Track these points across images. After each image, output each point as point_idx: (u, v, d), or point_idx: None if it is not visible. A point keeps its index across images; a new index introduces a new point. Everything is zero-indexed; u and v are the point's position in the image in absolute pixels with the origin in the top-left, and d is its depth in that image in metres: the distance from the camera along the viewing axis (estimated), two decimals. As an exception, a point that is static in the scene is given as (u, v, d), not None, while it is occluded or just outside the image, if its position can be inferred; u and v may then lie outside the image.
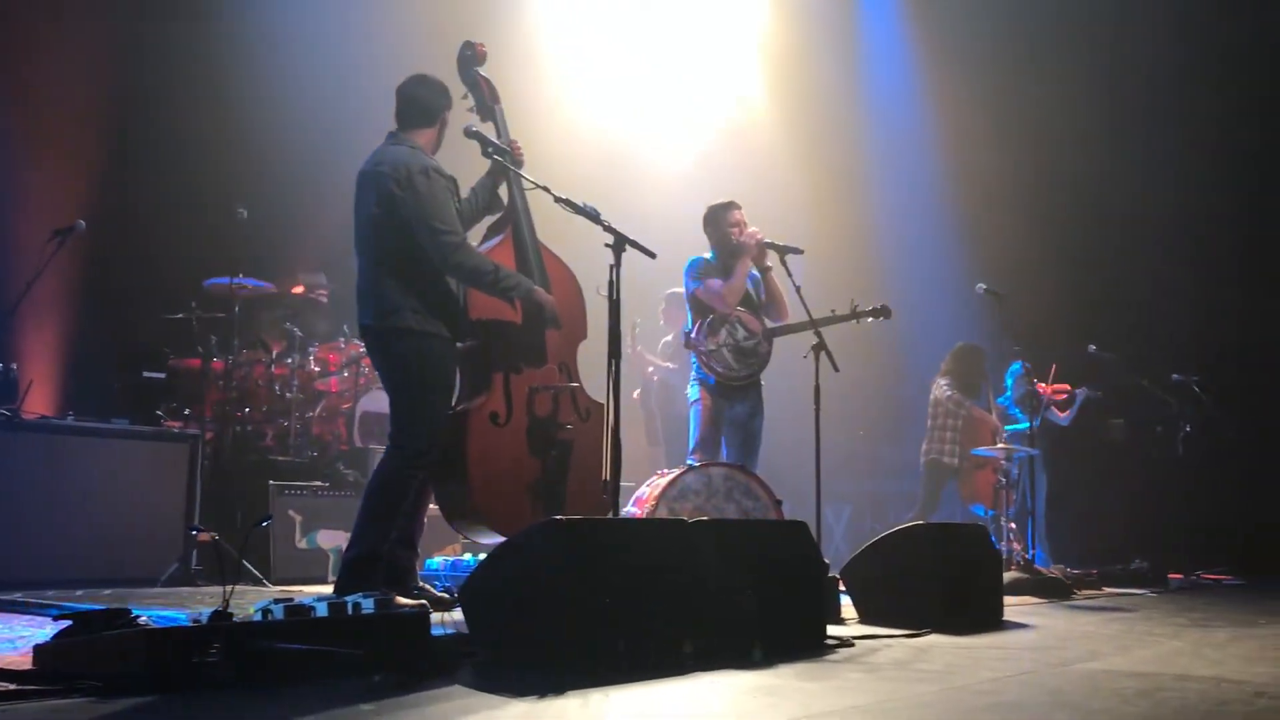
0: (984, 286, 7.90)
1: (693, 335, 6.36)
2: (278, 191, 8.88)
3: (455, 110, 5.26)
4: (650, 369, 9.05)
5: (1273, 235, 10.69)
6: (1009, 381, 9.36)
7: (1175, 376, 9.33)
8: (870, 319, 6.55)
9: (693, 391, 6.41)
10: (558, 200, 4.78)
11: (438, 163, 4.98)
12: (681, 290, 8.43)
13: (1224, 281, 10.70)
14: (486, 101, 5.44)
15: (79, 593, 5.54)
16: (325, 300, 8.74)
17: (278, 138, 8.98)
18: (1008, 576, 6.65)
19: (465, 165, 5.35)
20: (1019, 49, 11.07)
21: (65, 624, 3.32)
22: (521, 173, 5.26)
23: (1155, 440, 9.51)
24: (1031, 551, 7.47)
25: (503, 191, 5.39)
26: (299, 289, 8.65)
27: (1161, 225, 10.84)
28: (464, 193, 5.26)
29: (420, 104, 5.04)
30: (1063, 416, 9.41)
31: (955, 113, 11.44)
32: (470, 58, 5.45)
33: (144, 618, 3.28)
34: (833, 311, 6.38)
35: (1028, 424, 8.23)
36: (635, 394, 9.11)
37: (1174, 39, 10.83)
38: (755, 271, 6.44)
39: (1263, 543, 9.75)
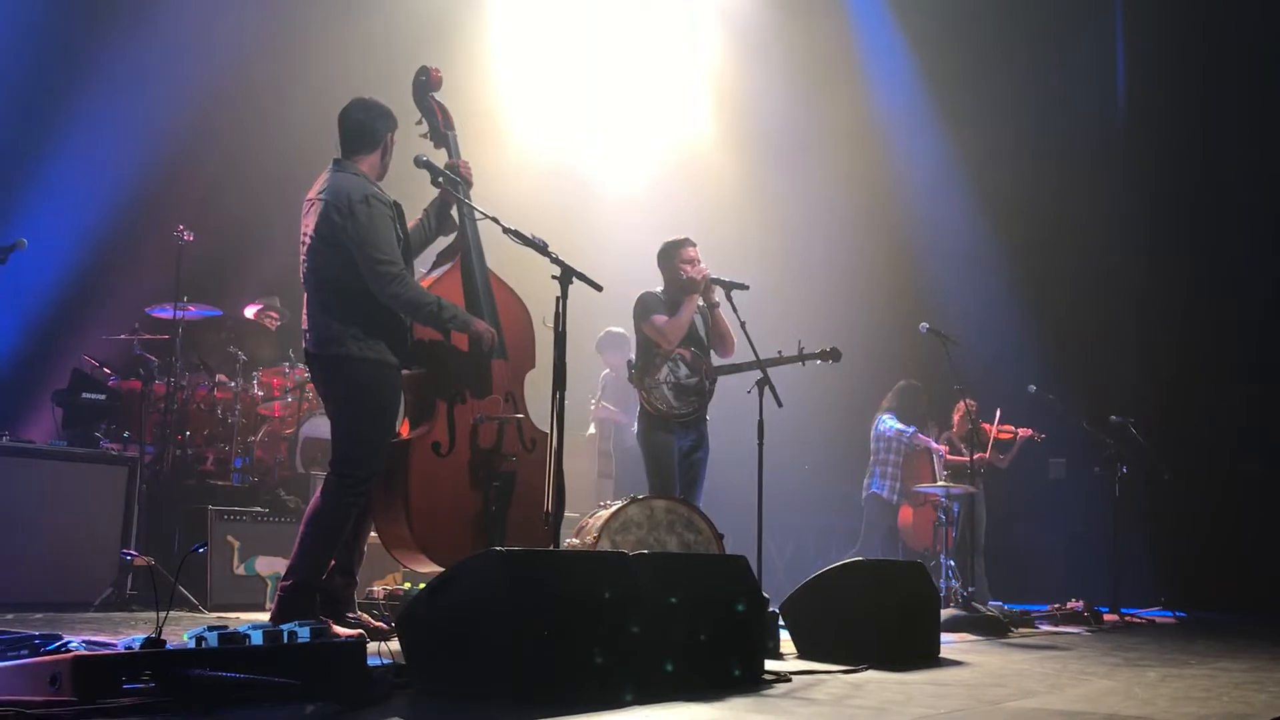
0: (927, 326, 7.98)
1: (635, 370, 6.38)
2: (227, 214, 8.81)
3: (409, 135, 5.26)
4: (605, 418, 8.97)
5: (1209, 285, 10.95)
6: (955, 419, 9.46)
7: (1114, 418, 9.47)
8: (819, 361, 6.57)
9: (639, 426, 6.43)
10: (506, 231, 4.78)
11: (380, 189, 4.96)
12: (613, 329, 8.52)
13: (1162, 328, 10.95)
14: (440, 128, 5.44)
15: (10, 616, 5.44)
16: (275, 325, 8.68)
17: (230, 158, 8.93)
18: (945, 613, 6.71)
19: (414, 192, 5.35)
20: (970, 97, 11.27)
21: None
22: (471, 203, 5.26)
23: (1093, 480, 9.63)
24: (970, 589, 7.54)
25: (454, 212, 5.38)
26: (252, 311, 8.59)
27: (1104, 273, 11.08)
28: (412, 216, 5.26)
29: (362, 129, 5.01)
30: (1001, 459, 9.52)
31: (905, 154, 11.61)
32: (425, 83, 5.45)
33: (74, 643, 3.24)
34: (779, 352, 6.39)
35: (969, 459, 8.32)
36: (589, 432, 9.05)
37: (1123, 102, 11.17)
38: (704, 305, 6.48)
39: (1196, 581, 9.93)
